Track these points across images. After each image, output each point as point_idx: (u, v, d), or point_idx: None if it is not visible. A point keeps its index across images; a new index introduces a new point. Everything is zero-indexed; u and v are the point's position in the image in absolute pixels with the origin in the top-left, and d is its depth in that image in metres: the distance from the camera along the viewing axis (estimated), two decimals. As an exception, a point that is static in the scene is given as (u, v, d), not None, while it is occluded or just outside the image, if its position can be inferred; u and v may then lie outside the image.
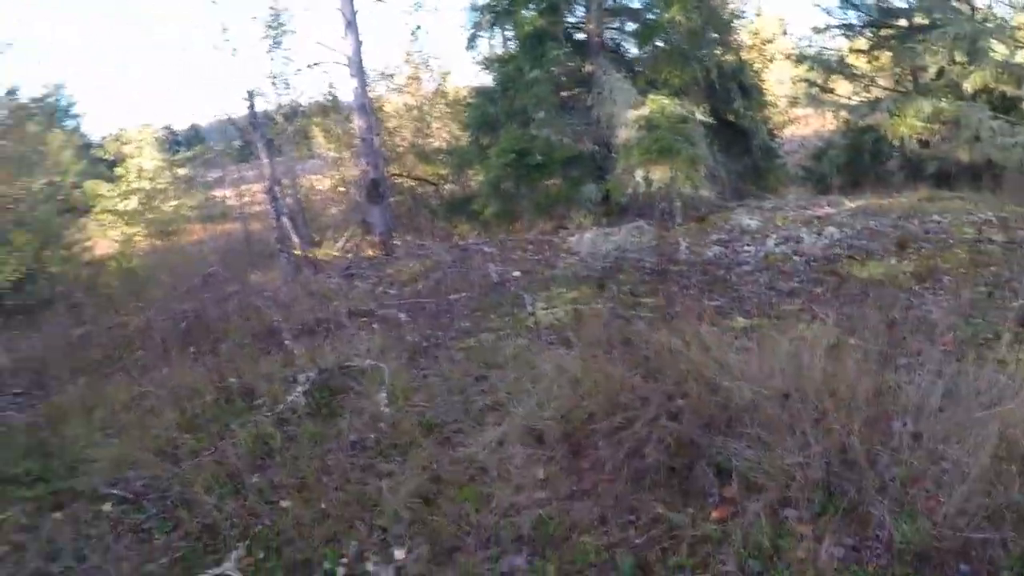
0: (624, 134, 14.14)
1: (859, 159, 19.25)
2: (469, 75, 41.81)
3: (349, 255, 16.36)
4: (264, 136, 17.27)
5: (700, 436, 4.20)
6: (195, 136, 48.50)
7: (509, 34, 17.88)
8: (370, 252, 16.29)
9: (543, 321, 7.13)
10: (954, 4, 18.56)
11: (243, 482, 4.81)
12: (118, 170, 27.05)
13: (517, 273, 9.94)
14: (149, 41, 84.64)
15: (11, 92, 24.78)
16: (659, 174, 13.42)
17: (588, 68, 16.15)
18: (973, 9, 18.76)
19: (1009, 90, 16.58)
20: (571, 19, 17.03)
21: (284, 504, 4.53)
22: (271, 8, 18.81)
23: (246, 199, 27.11)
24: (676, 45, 15.88)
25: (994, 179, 16.34)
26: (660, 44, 16.51)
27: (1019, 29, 18.88)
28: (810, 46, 22.00)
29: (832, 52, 21.43)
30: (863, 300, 6.63)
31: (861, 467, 3.76)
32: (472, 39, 17.82)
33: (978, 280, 7.41)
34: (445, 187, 20.94)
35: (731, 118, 16.47)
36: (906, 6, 19.63)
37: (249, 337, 8.28)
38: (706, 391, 4.43)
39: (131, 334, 10.01)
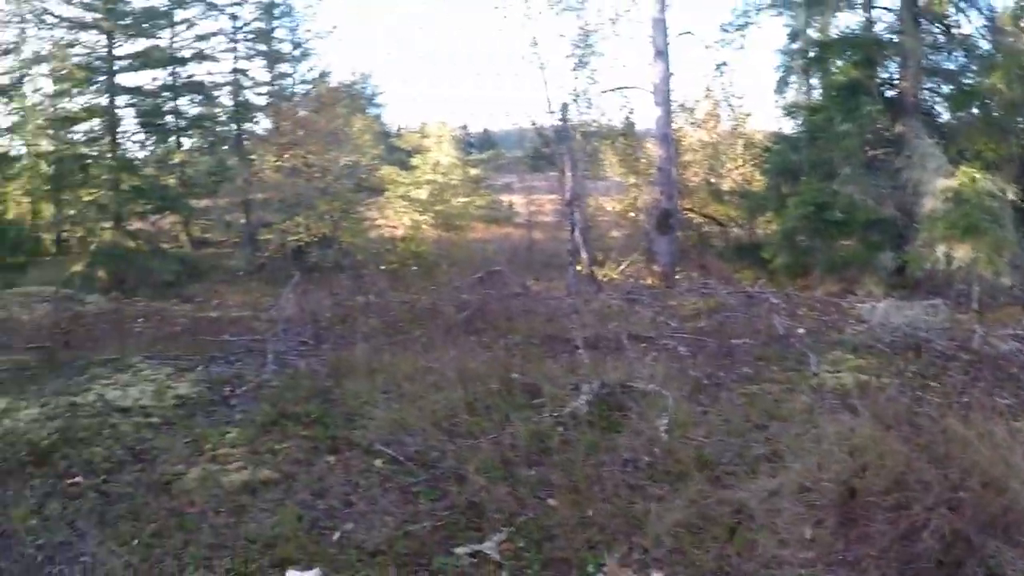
0: (930, 204, 13.87)
1: None
2: (767, 119, 41.61)
3: (630, 279, 16.58)
4: (571, 150, 17.80)
5: (976, 535, 4.03)
6: (486, 140, 50.41)
7: (815, 82, 17.74)
8: (651, 281, 16.45)
9: (827, 383, 7.03)
10: None
11: (516, 472, 5.03)
12: (414, 160, 28.57)
13: (802, 330, 9.83)
14: (456, 45, 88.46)
15: (323, 75, 26.86)
16: (961, 253, 13.03)
17: (899, 128, 15.75)
18: None
19: None
20: (883, 74, 16.74)
21: (552, 502, 4.67)
22: (580, 28, 19.29)
23: (533, 208, 27.88)
24: (992, 115, 15.31)
25: None
26: (975, 112, 16.00)
27: None
28: None
29: None
30: None
31: None
32: (782, 83, 17.73)
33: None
34: (732, 229, 20.84)
35: (1042, 203, 15.56)
36: None
37: (536, 338, 8.62)
38: (991, 490, 4.27)
39: (416, 312, 10.60)
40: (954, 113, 16.96)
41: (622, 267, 18.05)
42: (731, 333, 9.31)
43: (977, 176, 13.54)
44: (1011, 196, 13.89)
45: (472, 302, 10.89)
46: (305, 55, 26.80)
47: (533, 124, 20.28)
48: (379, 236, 24.35)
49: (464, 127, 35.63)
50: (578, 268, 16.41)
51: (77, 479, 5.25)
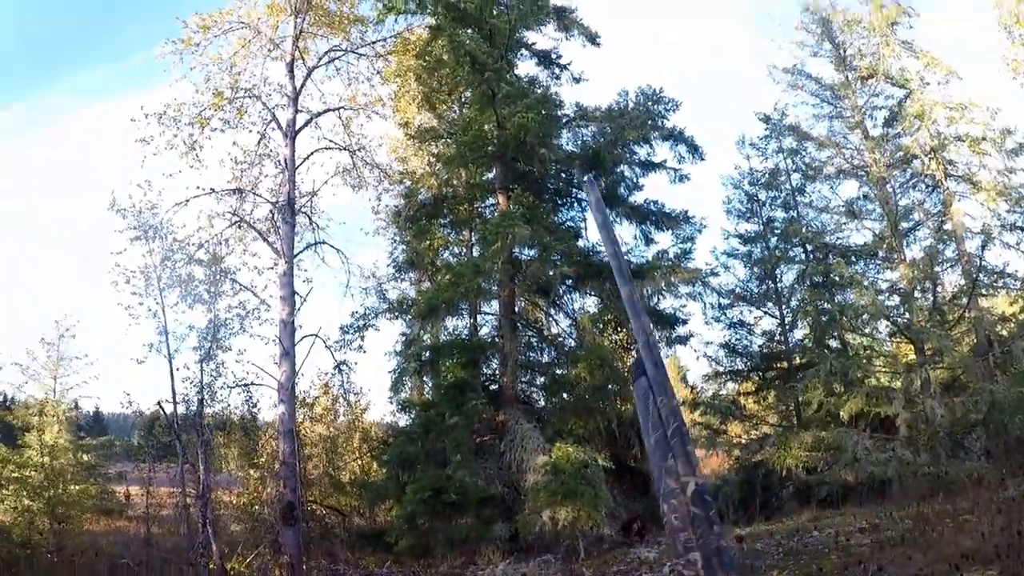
0: (532, 478, 15.41)
1: (752, 493, 20.43)
2: (383, 411, 42.92)
3: (256, 573, 16.67)
4: (203, 443, 17.91)
5: None
6: (95, 423, 47.84)
7: (426, 379, 19.46)
8: (278, 572, 16.56)
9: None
10: (828, 343, 20.80)
11: None
12: (27, 438, 26.77)
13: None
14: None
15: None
16: (564, 514, 14.49)
17: (501, 417, 17.49)
18: (845, 345, 21.06)
19: (884, 410, 18.02)
20: (487, 371, 18.77)
21: None
22: (209, 321, 19.60)
23: (151, 500, 26.82)
24: (581, 398, 17.58)
25: (876, 492, 17.46)
26: (566, 396, 18.23)
27: (891, 357, 21.03)
28: (704, 391, 23.99)
29: (725, 396, 23.38)
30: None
31: None
32: (397, 383, 19.26)
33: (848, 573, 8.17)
34: (355, 519, 21.40)
35: (631, 463, 17.82)
36: (784, 349, 21.89)
37: None
38: None
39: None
40: (548, 399, 19.20)
41: (248, 560, 17.93)
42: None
43: (570, 450, 15.26)
44: (601, 462, 15.69)
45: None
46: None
47: (162, 413, 19.80)
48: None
49: (76, 406, 33.32)
50: (211, 564, 16.30)
51: None
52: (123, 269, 18.99)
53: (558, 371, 19.09)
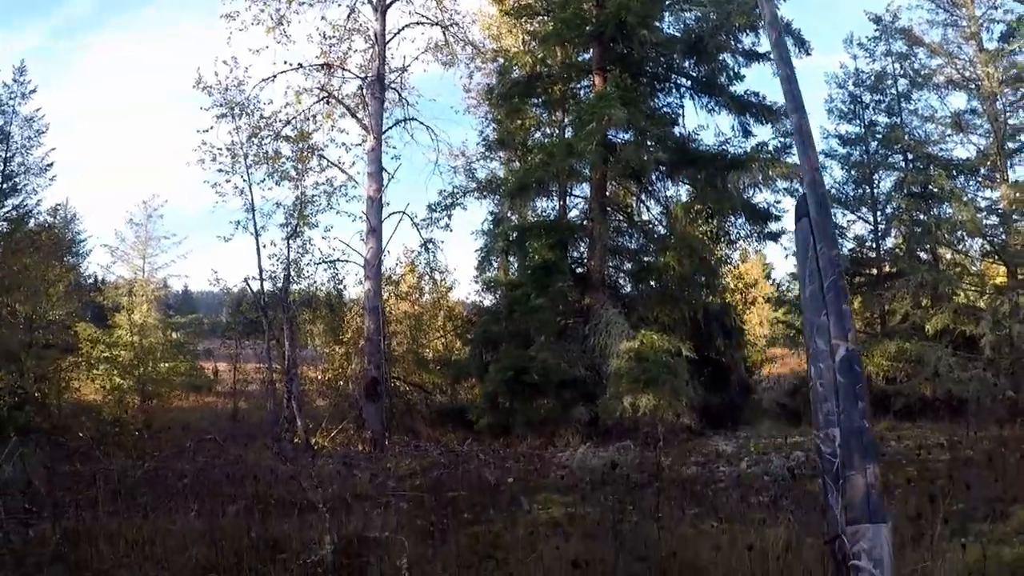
0: (615, 363, 15.31)
1: (831, 396, 20.05)
2: (467, 291, 43.02)
3: (340, 447, 16.92)
4: (289, 320, 18.11)
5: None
6: (184, 301, 48.76)
7: (513, 259, 19.35)
8: (362, 447, 16.76)
9: (540, 518, 7.78)
10: (920, 254, 20.18)
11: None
12: (117, 319, 27.30)
13: (511, 479, 10.60)
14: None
15: (28, 214, 24.42)
16: (644, 401, 14.43)
17: (587, 301, 17.42)
18: (936, 259, 20.39)
19: (969, 329, 17.79)
20: (575, 254, 18.60)
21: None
22: (296, 197, 19.77)
23: (238, 376, 27.38)
24: (667, 287, 17.33)
25: (954, 410, 17.10)
26: (653, 284, 18.03)
27: (980, 276, 20.52)
28: (789, 290, 23.53)
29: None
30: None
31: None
32: (484, 262, 19.16)
33: (924, 490, 7.98)
34: (437, 396, 21.65)
35: (713, 355, 17.56)
36: (875, 256, 21.28)
37: (263, 502, 8.70)
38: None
39: (137, 479, 10.37)
40: (635, 286, 19.02)
41: (332, 435, 18.19)
42: (447, 487, 9.87)
43: (655, 338, 15.26)
44: (685, 352, 15.69)
45: (190, 470, 10.85)
46: (13, 190, 24.30)
47: (249, 290, 20.05)
48: (77, 398, 23.17)
49: (165, 285, 33.90)
50: (296, 438, 16.59)
51: None
52: (210, 147, 19.15)
53: (646, 258, 18.82)
